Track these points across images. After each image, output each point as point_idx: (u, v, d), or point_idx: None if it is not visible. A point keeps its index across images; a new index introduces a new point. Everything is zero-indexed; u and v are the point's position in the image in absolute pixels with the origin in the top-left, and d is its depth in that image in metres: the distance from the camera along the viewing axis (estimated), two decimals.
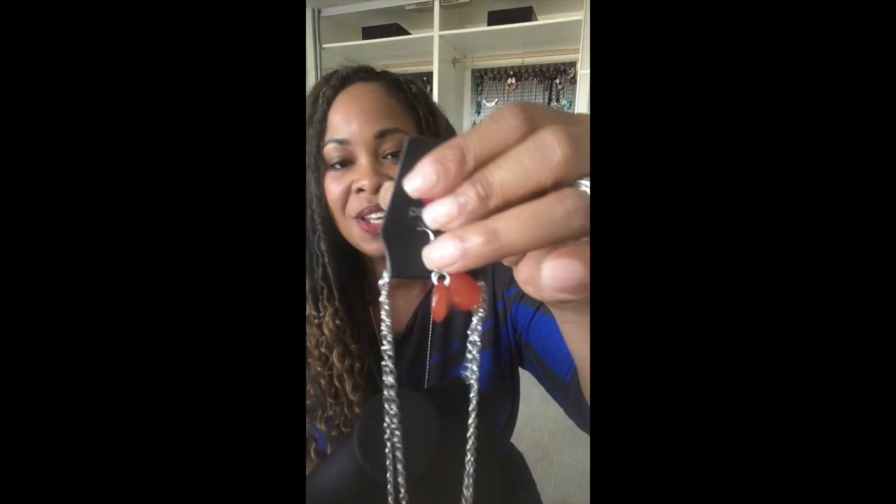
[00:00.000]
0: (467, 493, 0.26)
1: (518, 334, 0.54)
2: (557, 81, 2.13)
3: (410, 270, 0.19)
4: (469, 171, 0.16)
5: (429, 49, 2.05)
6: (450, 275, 0.19)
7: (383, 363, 0.23)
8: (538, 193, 0.16)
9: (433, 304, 0.20)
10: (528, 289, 0.20)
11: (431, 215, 0.17)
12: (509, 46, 2.15)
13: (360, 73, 0.51)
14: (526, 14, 1.90)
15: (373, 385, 0.51)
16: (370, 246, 0.48)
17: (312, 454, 0.52)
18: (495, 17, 1.95)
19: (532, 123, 0.16)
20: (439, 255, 0.16)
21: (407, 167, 0.17)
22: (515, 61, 2.19)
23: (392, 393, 0.24)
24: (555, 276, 0.16)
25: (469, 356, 0.22)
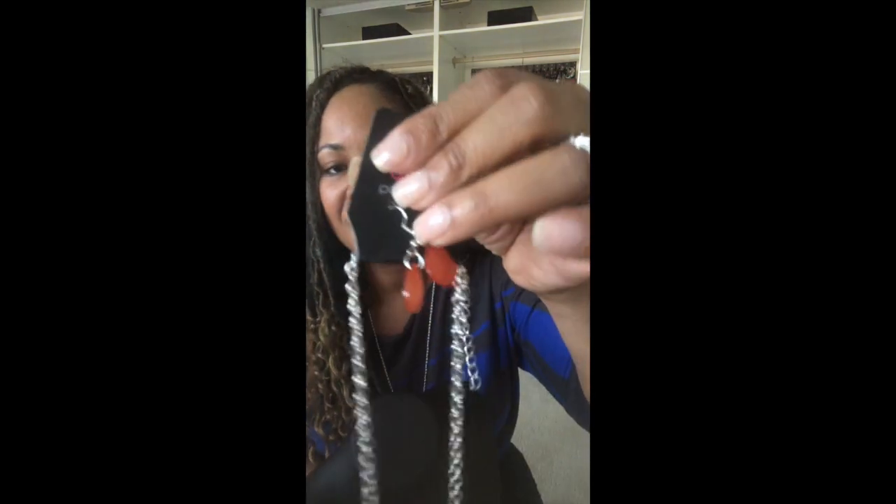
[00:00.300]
0: (453, 494, 0.26)
1: (517, 333, 0.53)
2: (557, 81, 2.13)
3: (381, 254, 0.18)
4: (442, 142, 0.15)
5: (429, 49, 2.05)
6: (426, 249, 0.17)
7: (354, 362, 0.22)
8: (520, 155, 0.15)
9: (406, 293, 0.18)
10: (519, 279, 0.19)
11: (401, 192, 0.15)
12: (509, 46, 2.15)
13: (354, 75, 0.51)
14: (526, 14, 1.90)
15: (371, 390, 0.50)
16: None
17: (310, 457, 0.52)
18: (495, 18, 1.95)
19: (508, 88, 0.15)
20: (427, 227, 0.15)
21: (375, 141, 0.16)
22: (515, 61, 2.19)
23: (361, 398, 0.23)
24: (547, 235, 0.15)
25: (462, 361, 0.21)
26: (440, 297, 0.55)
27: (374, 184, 0.17)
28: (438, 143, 0.15)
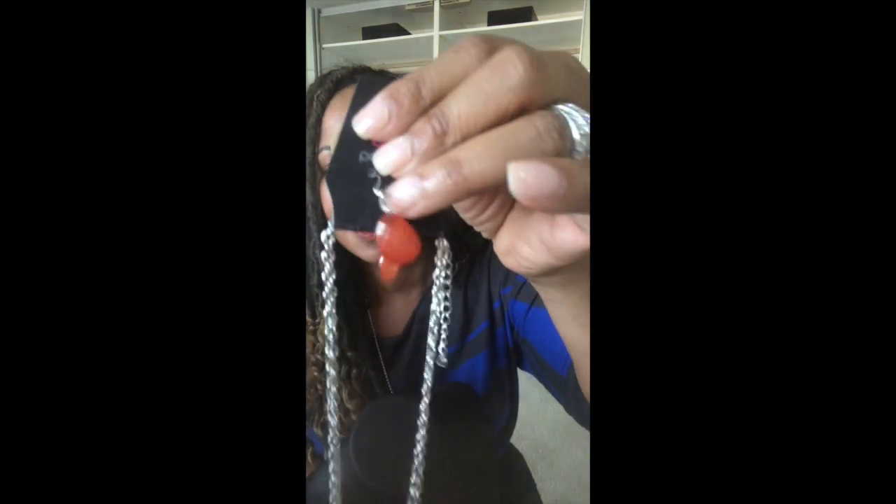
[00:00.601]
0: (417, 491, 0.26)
1: (516, 332, 0.53)
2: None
3: (357, 223, 0.17)
4: (425, 107, 0.15)
5: (429, 49, 2.05)
6: (390, 221, 0.17)
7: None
8: (505, 122, 0.14)
9: (380, 263, 0.17)
10: (509, 261, 0.19)
11: (382, 159, 0.15)
12: None
13: (356, 75, 0.50)
14: (526, 14, 1.90)
15: (369, 392, 0.51)
16: (366, 252, 0.47)
17: (309, 458, 0.52)
18: (495, 17, 1.95)
19: (494, 52, 0.15)
20: (398, 198, 0.14)
21: (357, 107, 0.15)
22: None
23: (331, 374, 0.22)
24: (520, 179, 0.13)
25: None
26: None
27: (354, 151, 0.17)
28: (421, 109, 0.15)
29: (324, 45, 2.27)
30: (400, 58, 2.34)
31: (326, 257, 0.19)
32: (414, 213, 0.15)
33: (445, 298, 0.19)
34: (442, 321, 0.20)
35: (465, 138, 0.14)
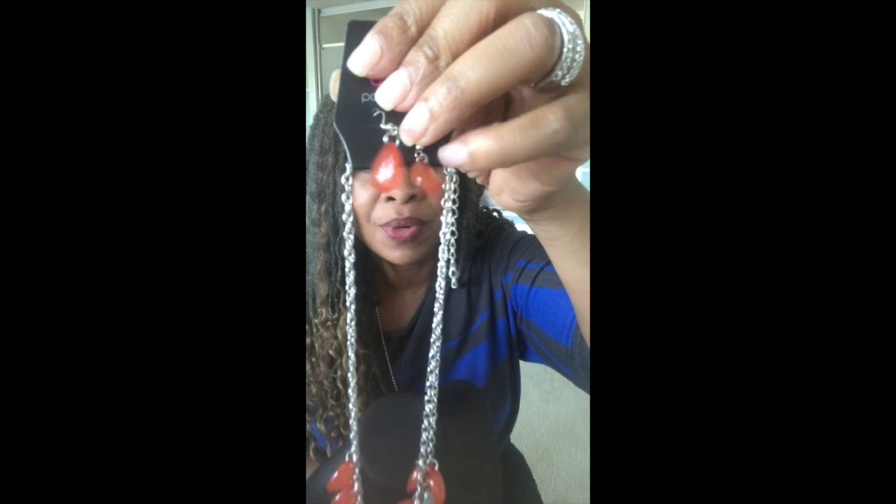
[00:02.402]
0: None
1: (518, 317, 0.53)
2: None
3: (373, 159, 0.18)
4: (413, 37, 0.15)
5: None
6: (413, 165, 0.18)
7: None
8: (490, 31, 0.15)
9: (389, 172, 0.17)
10: (502, 199, 0.20)
11: (384, 94, 0.16)
12: None
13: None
14: None
15: (375, 388, 0.51)
16: (393, 253, 0.47)
17: (311, 454, 0.52)
18: None
19: None
20: (409, 127, 0.15)
21: (350, 49, 0.16)
22: None
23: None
24: (443, 155, 0.15)
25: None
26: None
27: (356, 93, 0.17)
28: (410, 39, 0.15)
29: (324, 46, 2.27)
30: None
31: (346, 198, 0.20)
32: (428, 138, 0.16)
33: (452, 224, 0.20)
34: (449, 246, 0.21)
35: (455, 56, 0.15)
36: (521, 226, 0.44)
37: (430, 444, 0.24)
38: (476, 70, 0.14)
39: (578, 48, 0.16)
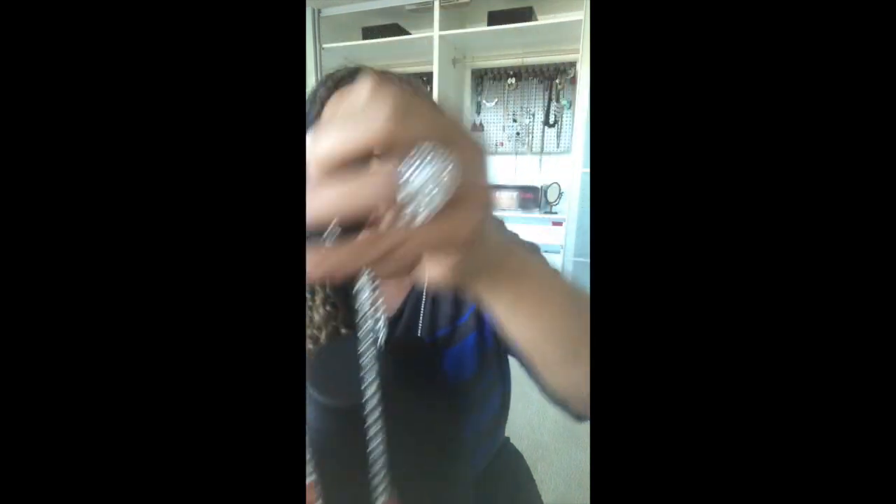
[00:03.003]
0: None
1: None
2: (557, 81, 2.13)
3: None
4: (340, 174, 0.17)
5: (429, 49, 2.05)
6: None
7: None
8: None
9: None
10: (432, 278, 0.21)
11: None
12: (509, 46, 2.14)
13: (356, 74, 0.51)
14: (526, 14, 1.90)
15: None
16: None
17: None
18: (495, 17, 1.95)
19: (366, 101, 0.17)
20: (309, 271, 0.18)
21: None
22: (515, 61, 2.18)
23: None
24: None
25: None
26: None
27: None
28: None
29: (324, 46, 2.27)
30: (400, 58, 2.34)
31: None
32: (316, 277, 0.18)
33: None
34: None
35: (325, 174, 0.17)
36: (511, 225, 0.45)
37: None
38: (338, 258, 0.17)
39: (429, 192, 0.16)
